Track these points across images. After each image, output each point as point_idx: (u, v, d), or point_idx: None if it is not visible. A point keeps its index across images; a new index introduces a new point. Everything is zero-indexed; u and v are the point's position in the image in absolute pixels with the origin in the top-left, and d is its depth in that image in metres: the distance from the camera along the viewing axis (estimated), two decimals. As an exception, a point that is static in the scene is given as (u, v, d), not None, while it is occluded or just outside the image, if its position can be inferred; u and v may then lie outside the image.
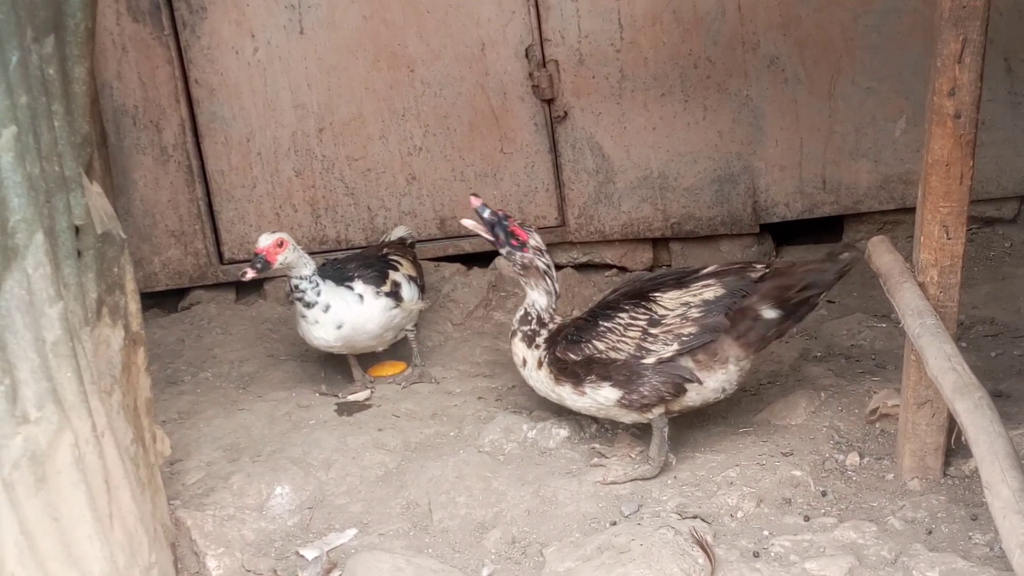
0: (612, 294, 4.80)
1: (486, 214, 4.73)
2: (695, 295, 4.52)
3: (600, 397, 4.56)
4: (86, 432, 3.18)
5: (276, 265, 5.05)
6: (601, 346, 4.52)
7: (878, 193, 6.45)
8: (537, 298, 4.71)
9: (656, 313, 4.50)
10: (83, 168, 3.49)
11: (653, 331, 4.48)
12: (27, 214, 2.97)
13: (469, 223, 4.74)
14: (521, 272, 4.71)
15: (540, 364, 4.68)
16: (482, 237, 4.77)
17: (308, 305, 5.22)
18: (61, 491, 3.00)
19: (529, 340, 4.70)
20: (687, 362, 4.49)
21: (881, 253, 4.39)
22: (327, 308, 5.23)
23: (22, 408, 2.88)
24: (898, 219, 6.49)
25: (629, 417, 4.62)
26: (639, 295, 4.58)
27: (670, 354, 4.47)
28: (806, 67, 6.28)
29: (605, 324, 4.55)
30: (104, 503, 3.24)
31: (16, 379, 2.87)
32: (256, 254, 5.04)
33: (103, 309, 3.56)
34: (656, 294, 4.56)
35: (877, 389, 4.93)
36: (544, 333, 4.69)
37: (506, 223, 4.70)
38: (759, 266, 4.62)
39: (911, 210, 4.52)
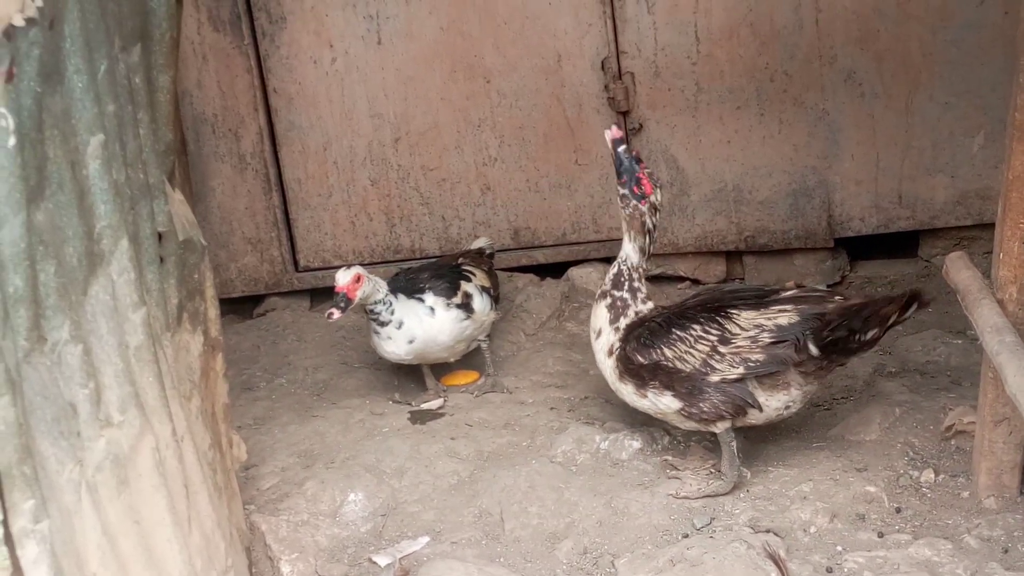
0: (693, 299, 4.76)
1: (620, 149, 4.60)
2: (770, 319, 4.47)
3: (661, 404, 4.55)
4: (167, 436, 3.22)
5: (356, 301, 5.09)
6: (669, 354, 4.49)
7: (955, 208, 6.39)
8: (631, 252, 4.64)
9: (729, 331, 4.46)
10: (166, 176, 3.54)
11: (722, 350, 4.45)
12: (113, 220, 3.02)
13: (610, 136, 4.61)
14: (626, 219, 4.62)
15: (611, 352, 4.64)
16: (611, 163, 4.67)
17: (382, 324, 5.27)
18: (142, 494, 3.03)
19: (615, 313, 4.65)
20: (752, 385, 4.47)
21: (959, 269, 4.35)
22: (400, 325, 5.27)
23: (105, 411, 2.92)
24: (975, 235, 6.42)
25: (689, 426, 4.62)
26: (716, 309, 4.54)
27: (734, 377, 4.46)
28: (884, 81, 6.24)
29: (677, 332, 4.51)
30: (183, 507, 3.28)
31: (100, 383, 2.91)
32: (337, 292, 5.07)
33: (183, 315, 3.60)
34: (733, 311, 4.51)
35: (953, 406, 4.89)
36: (631, 314, 4.64)
37: (636, 168, 4.58)
38: (838, 298, 4.54)
39: (988, 226, 4.49)
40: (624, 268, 4.67)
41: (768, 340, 4.42)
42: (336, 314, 5.01)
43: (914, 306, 4.50)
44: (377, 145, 6.57)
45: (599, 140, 6.42)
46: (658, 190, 4.61)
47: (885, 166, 6.35)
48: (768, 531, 4.27)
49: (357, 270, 5.09)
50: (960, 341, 5.57)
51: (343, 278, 5.07)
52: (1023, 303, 4.07)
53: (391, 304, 5.25)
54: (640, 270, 4.67)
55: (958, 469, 4.60)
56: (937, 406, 4.99)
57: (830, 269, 6.57)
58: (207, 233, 6.28)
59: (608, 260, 6.54)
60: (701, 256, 6.65)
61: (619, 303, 4.66)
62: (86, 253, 2.89)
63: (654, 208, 4.60)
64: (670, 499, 4.55)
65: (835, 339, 4.42)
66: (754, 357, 4.43)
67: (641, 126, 6.39)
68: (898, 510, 4.40)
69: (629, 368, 4.57)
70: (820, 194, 6.41)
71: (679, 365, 4.47)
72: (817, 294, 4.59)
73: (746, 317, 4.48)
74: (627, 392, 4.63)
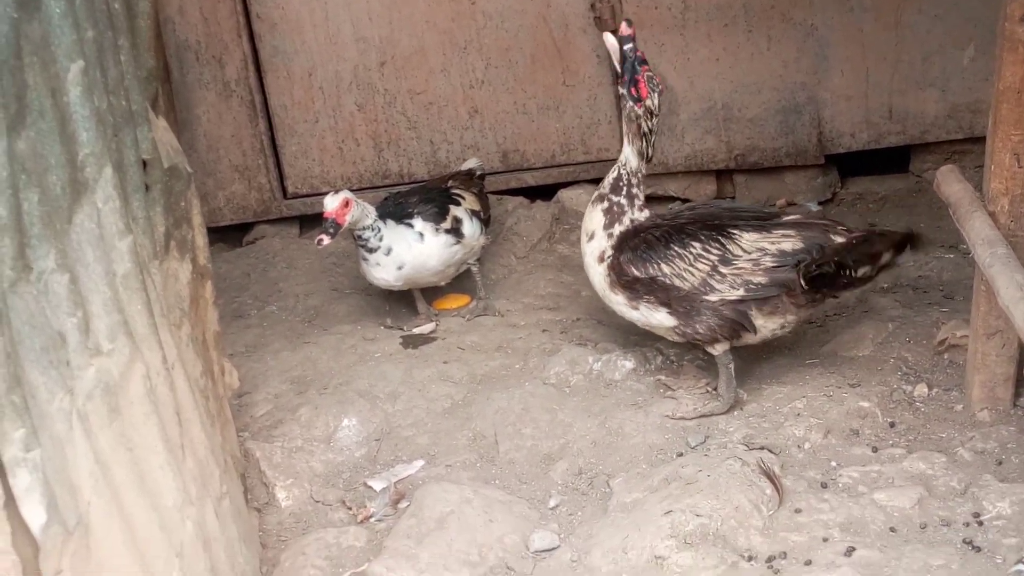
0: (688, 211, 4.70)
1: (627, 47, 4.51)
2: (773, 243, 4.43)
3: (654, 319, 4.53)
4: (157, 364, 3.20)
5: (345, 225, 5.06)
6: (667, 270, 4.45)
7: (946, 122, 6.36)
8: (630, 156, 4.58)
9: (730, 252, 4.42)
10: (149, 102, 3.50)
11: (723, 270, 4.42)
12: (96, 148, 2.98)
13: (611, 41, 4.55)
14: (625, 119, 4.56)
15: (602, 259, 4.60)
16: (613, 63, 4.59)
17: (371, 251, 5.24)
18: (134, 422, 3.02)
19: (611, 218, 4.59)
20: (750, 307, 4.45)
21: (950, 183, 4.33)
22: (389, 251, 5.24)
23: (94, 340, 2.90)
24: (966, 149, 6.39)
25: (675, 339, 4.61)
26: (717, 227, 4.50)
27: (734, 298, 4.43)
28: (873, -6, 6.20)
29: (676, 248, 4.46)
30: (176, 434, 3.27)
31: (88, 312, 2.88)
32: (325, 218, 5.04)
33: (171, 243, 3.57)
34: (734, 231, 4.47)
35: (945, 320, 4.90)
36: (626, 221, 4.58)
37: (638, 69, 4.50)
38: (841, 228, 4.48)
39: (979, 139, 4.47)
40: (623, 172, 4.60)
41: (770, 264, 4.39)
42: (325, 240, 4.98)
43: (907, 248, 4.48)
44: (363, 69, 6.51)
45: (587, 61, 6.39)
46: (655, 95, 4.52)
47: (875, 81, 6.31)
48: (762, 448, 4.28)
49: (345, 195, 5.06)
50: (952, 255, 5.56)
51: (331, 203, 5.03)
52: (1015, 215, 4.06)
53: (379, 230, 5.22)
54: (639, 176, 4.60)
55: (951, 383, 4.60)
56: (930, 321, 4.99)
57: (821, 186, 6.55)
58: (193, 161, 6.25)
59: (597, 181, 6.51)
60: (691, 175, 6.61)
61: (615, 208, 4.60)
62: (70, 181, 2.86)
63: (650, 112, 4.53)
64: (664, 418, 4.55)
65: (822, 274, 4.39)
66: (756, 280, 4.40)
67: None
68: (892, 425, 4.41)
69: (622, 279, 4.53)
70: (810, 111, 6.37)
71: (677, 283, 4.44)
72: (821, 222, 4.54)
73: (748, 239, 4.44)
74: (617, 302, 4.60)
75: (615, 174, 4.62)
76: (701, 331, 4.46)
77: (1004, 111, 3.96)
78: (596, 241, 4.62)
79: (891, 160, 6.61)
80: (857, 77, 6.32)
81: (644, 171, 4.62)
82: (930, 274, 5.46)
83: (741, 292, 4.41)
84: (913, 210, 6.24)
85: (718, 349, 4.53)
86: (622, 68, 4.53)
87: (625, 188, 4.60)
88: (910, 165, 6.61)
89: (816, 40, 6.27)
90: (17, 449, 2.42)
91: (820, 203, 6.48)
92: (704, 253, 4.44)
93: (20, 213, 2.59)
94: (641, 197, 4.62)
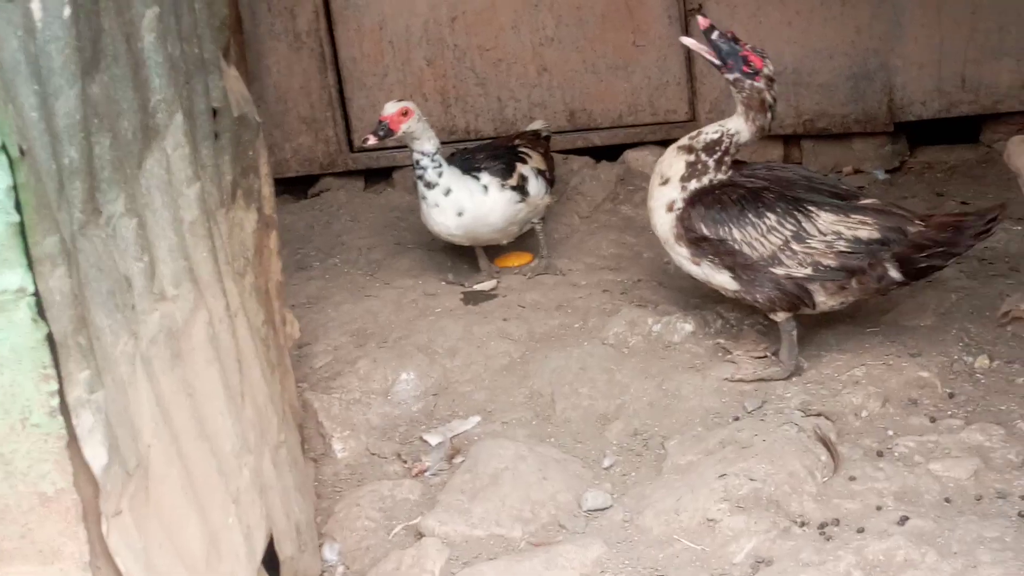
0: (766, 171, 4.62)
1: (714, 36, 4.43)
2: (849, 228, 4.36)
3: (715, 279, 4.51)
4: (220, 311, 3.23)
5: (399, 133, 5.08)
6: (738, 235, 4.40)
7: (1020, 93, 6.27)
8: (743, 129, 4.50)
9: (805, 231, 4.37)
10: (221, 51, 3.52)
11: (794, 246, 4.37)
12: (167, 94, 3.00)
13: (690, 42, 4.51)
14: (744, 102, 4.46)
15: (671, 208, 4.52)
16: (706, 59, 4.50)
17: (428, 185, 5.23)
18: (195, 367, 3.05)
19: (691, 172, 4.49)
20: (814, 285, 4.42)
21: (1020, 153, 4.29)
22: (448, 192, 5.23)
23: (159, 285, 2.92)
24: (1039, 120, 6.32)
25: (738, 301, 4.60)
26: (794, 201, 4.42)
27: (801, 275, 4.40)
28: (949, -38, 6.12)
29: (751, 216, 4.40)
30: (236, 381, 3.30)
31: (154, 257, 2.91)
32: (380, 121, 5.07)
33: (238, 192, 3.60)
34: (812, 207, 4.40)
35: (1010, 292, 4.86)
36: (705, 181, 4.49)
37: (738, 48, 4.41)
38: (918, 221, 4.39)
39: (1053, 112, 4.41)
40: (727, 140, 4.50)
41: (843, 248, 4.35)
42: (371, 140, 5.05)
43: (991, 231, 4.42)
44: (433, 24, 6.52)
45: (658, 21, 6.36)
46: (767, 60, 4.45)
47: (949, 49, 6.24)
48: (819, 415, 4.27)
49: (407, 105, 5.08)
50: (1019, 227, 5.50)
51: (390, 108, 5.09)
52: (1085, 189, 4.02)
53: (440, 165, 5.20)
54: (740, 148, 4.53)
55: (1013, 355, 4.57)
56: (994, 292, 4.95)
57: (889, 154, 6.49)
58: (262, 112, 6.25)
59: (664, 143, 6.47)
60: (758, 140, 6.55)
61: (700, 166, 4.51)
62: (141, 127, 2.88)
63: (770, 80, 4.45)
64: (722, 382, 4.55)
65: (929, 266, 4.39)
66: (825, 262, 4.36)
67: (700, 6, 6.29)
68: (951, 395, 4.38)
69: (689, 235, 4.48)
70: (881, 77, 6.31)
71: (746, 250, 4.41)
72: (899, 212, 4.46)
73: (825, 220, 4.38)
74: (680, 255, 4.56)
75: (716, 136, 4.51)
76: (760, 299, 4.45)
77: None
78: (669, 188, 4.54)
79: (962, 130, 6.55)
80: (931, 45, 6.25)
81: (751, 144, 4.59)
82: (996, 246, 5.39)
83: (808, 271, 4.38)
84: (982, 181, 6.17)
85: (780, 316, 4.51)
86: (721, 56, 4.44)
87: (719, 153, 4.50)
88: (981, 135, 6.53)
89: (891, 6, 6.20)
90: (81, 390, 2.45)
91: (888, 171, 6.42)
92: (778, 226, 4.38)
93: (91, 157, 2.62)
94: (728, 165, 4.54)
